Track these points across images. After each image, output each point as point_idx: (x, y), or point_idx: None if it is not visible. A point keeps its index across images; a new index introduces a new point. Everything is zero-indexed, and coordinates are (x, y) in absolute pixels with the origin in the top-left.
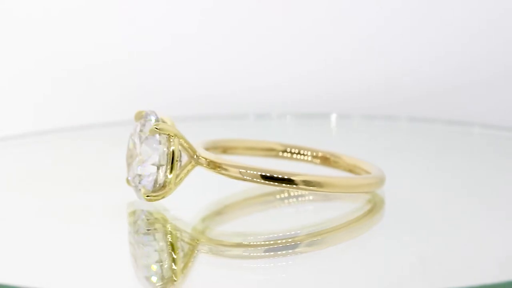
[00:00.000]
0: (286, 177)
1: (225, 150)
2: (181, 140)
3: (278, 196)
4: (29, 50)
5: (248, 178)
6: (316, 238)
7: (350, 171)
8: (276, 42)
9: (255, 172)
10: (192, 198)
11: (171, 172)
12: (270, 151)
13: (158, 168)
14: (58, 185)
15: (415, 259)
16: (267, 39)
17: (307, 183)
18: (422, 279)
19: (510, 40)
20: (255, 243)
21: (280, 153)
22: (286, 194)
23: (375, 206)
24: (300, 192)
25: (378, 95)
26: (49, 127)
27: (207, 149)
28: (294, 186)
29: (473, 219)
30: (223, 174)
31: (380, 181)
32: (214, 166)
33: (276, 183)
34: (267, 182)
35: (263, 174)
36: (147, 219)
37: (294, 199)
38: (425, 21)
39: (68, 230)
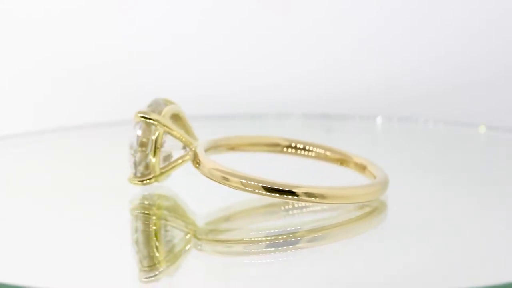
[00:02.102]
0: (287, 189)
1: (231, 147)
2: (165, 127)
3: (282, 208)
4: (29, 50)
5: (249, 189)
6: (317, 234)
7: (356, 170)
8: (276, 42)
9: (256, 184)
10: (200, 202)
11: (153, 156)
12: (275, 147)
13: (137, 154)
14: (58, 183)
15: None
16: (267, 39)
17: (310, 195)
18: (422, 279)
19: (510, 40)
20: (256, 238)
21: (285, 149)
22: (291, 206)
23: (376, 205)
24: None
25: (378, 95)
26: (49, 127)
27: (209, 148)
28: (296, 197)
29: (473, 220)
30: (225, 184)
31: (384, 187)
32: (196, 162)
33: (278, 195)
34: (268, 193)
35: (265, 185)
36: (142, 205)
37: (298, 210)
38: (425, 21)
39: (70, 229)
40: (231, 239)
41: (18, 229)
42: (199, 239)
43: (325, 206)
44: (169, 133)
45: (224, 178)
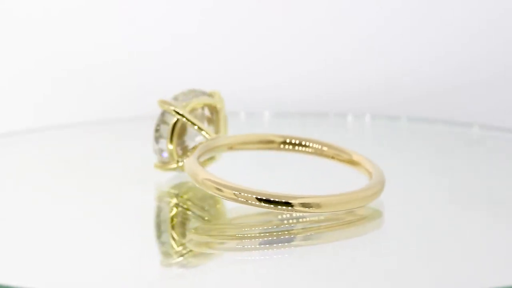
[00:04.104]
0: (283, 200)
1: (230, 147)
2: (180, 117)
3: (280, 216)
4: (30, 50)
5: (242, 200)
6: (313, 232)
7: (352, 166)
8: (276, 42)
9: (249, 195)
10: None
11: (171, 143)
12: (270, 144)
13: (157, 140)
14: (60, 182)
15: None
16: (267, 39)
17: (305, 205)
18: (420, 282)
19: (510, 40)
20: (249, 235)
21: (282, 145)
22: (288, 215)
23: (374, 206)
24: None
25: (378, 95)
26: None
27: (209, 149)
28: (290, 208)
29: (473, 220)
30: (218, 194)
31: (380, 188)
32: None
33: (272, 206)
34: (262, 204)
35: (259, 197)
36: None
37: (295, 220)
38: (425, 21)
39: (75, 226)
40: (224, 235)
41: (18, 227)
42: (194, 234)
43: (322, 217)
44: (186, 123)
45: (217, 189)
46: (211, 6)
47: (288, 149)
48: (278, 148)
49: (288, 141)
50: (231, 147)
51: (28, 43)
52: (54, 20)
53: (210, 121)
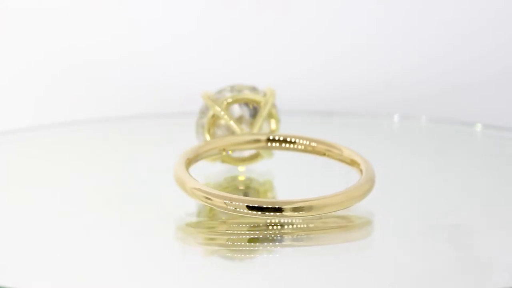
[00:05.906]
0: (276, 206)
1: (223, 148)
2: (216, 111)
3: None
4: (29, 49)
5: (232, 208)
6: (302, 233)
7: (343, 162)
8: (276, 42)
9: (239, 203)
10: None
11: (209, 135)
12: (257, 143)
13: (198, 131)
14: (63, 181)
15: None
16: (267, 39)
17: (297, 209)
18: (416, 283)
19: (510, 40)
20: (239, 232)
21: (268, 144)
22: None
23: (369, 208)
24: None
25: (378, 95)
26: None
27: (190, 159)
28: (279, 214)
29: (473, 220)
30: (208, 203)
31: (371, 186)
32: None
33: (260, 213)
34: (253, 212)
35: (249, 205)
36: None
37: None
38: (425, 21)
39: (80, 224)
40: (214, 231)
41: (17, 226)
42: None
43: (311, 225)
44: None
45: (207, 198)
46: (212, 5)
47: (276, 147)
48: (266, 147)
49: (271, 138)
50: (223, 149)
51: (28, 42)
52: (55, 20)
53: (252, 117)
